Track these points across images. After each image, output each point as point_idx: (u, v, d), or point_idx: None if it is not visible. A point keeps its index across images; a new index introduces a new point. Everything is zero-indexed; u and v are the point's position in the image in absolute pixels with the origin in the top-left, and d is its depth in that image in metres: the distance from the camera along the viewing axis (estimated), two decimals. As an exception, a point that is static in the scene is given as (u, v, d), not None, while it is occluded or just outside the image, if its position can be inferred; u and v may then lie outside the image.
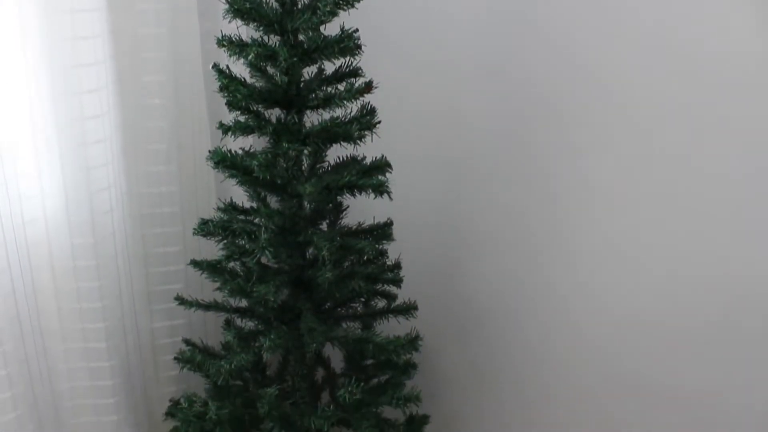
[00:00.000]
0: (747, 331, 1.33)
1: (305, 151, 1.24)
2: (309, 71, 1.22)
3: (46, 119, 1.28)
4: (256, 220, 1.26)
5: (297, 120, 1.20)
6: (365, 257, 1.34)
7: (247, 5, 1.12)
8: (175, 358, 1.39)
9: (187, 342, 1.46)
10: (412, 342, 1.28)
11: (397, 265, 1.34)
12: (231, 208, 1.28)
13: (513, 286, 1.60)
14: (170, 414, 1.42)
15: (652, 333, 1.45)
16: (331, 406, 1.26)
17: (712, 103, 1.20)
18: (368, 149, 1.28)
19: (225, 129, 1.18)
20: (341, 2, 1.12)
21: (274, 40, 1.17)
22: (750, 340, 1.34)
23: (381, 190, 1.18)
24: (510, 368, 1.70)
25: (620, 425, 1.58)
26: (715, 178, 1.24)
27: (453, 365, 1.79)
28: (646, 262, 1.40)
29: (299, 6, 1.15)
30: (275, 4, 1.15)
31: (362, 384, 1.23)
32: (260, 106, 1.20)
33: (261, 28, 1.15)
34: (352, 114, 1.21)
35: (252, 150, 1.23)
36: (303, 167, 1.24)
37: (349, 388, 1.21)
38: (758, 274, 1.27)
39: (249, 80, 1.20)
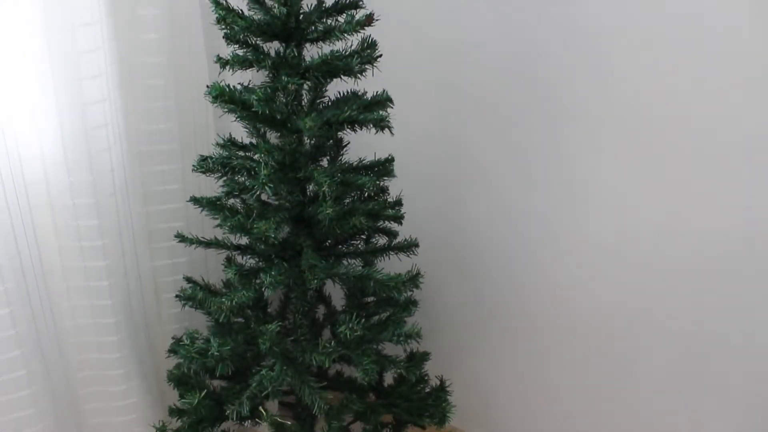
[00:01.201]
0: (742, 268, 1.34)
1: (305, 86, 1.22)
2: (308, 3, 1.19)
3: (39, 54, 1.25)
4: (256, 157, 1.24)
5: (296, 53, 1.17)
6: (366, 194, 1.32)
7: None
8: (177, 296, 1.39)
9: (188, 279, 1.46)
10: (413, 279, 1.27)
11: (398, 202, 1.33)
12: (230, 143, 1.26)
13: (514, 223, 1.59)
14: (173, 351, 1.43)
15: (648, 269, 1.45)
16: (332, 343, 1.26)
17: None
18: (369, 84, 1.25)
19: (223, 63, 1.16)
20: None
21: (271, -31, 1.14)
22: (746, 276, 1.34)
23: (382, 125, 1.17)
24: (510, 305, 1.70)
25: (618, 358, 1.59)
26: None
27: (453, 302, 1.80)
28: (644, 200, 1.39)
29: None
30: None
31: (363, 321, 1.23)
32: (258, 39, 1.17)
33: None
34: (353, 47, 1.18)
35: (251, 85, 1.20)
36: (303, 102, 1.22)
37: (350, 325, 1.21)
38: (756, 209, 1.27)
39: (247, 12, 1.17)
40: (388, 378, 1.56)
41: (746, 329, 1.40)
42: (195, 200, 1.27)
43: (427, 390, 1.55)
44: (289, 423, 1.36)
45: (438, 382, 1.57)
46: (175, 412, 1.39)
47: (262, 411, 1.33)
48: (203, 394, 1.34)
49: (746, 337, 1.40)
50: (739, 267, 1.35)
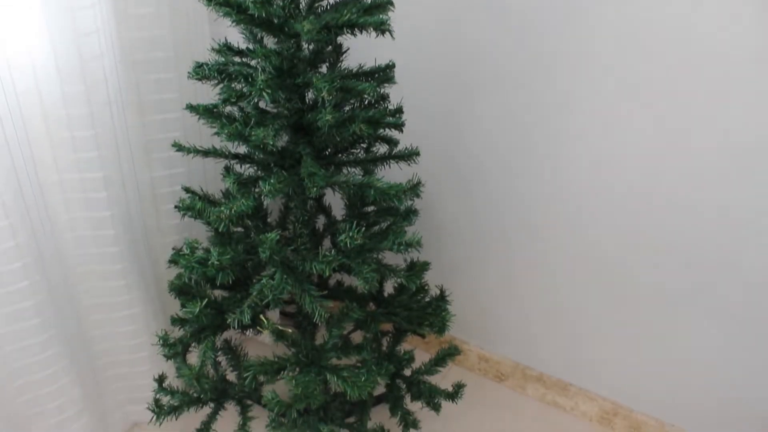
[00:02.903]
0: (744, 182, 1.33)
1: (302, -13, 1.18)
2: None
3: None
4: (253, 62, 1.21)
5: (292, -48, 1.13)
6: (366, 100, 1.30)
7: None
8: (176, 207, 1.38)
9: (186, 190, 1.45)
10: (414, 188, 1.26)
11: (399, 110, 1.31)
12: (226, 49, 1.22)
13: (517, 135, 1.57)
14: (173, 261, 1.43)
15: (652, 181, 1.44)
16: (332, 252, 1.26)
17: None
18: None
19: (216, -37, 1.12)
20: None
21: None
22: (747, 190, 1.33)
23: (382, 28, 1.13)
24: (510, 217, 1.70)
25: (613, 271, 1.60)
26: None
27: (453, 214, 1.79)
28: (648, 109, 1.37)
29: None
30: None
31: (363, 229, 1.22)
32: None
33: None
34: (351, -55, 1.14)
35: (246, -13, 1.16)
36: (300, 5, 1.18)
37: (350, 233, 1.21)
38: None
39: None
40: (389, 287, 1.57)
41: (747, 245, 1.40)
42: (191, 108, 1.24)
43: (427, 299, 1.57)
44: (290, 331, 1.37)
45: (438, 292, 1.58)
46: (177, 321, 1.40)
47: (263, 319, 1.35)
48: (204, 303, 1.35)
49: (747, 253, 1.41)
50: (741, 181, 1.34)
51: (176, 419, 1.64)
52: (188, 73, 1.21)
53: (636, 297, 1.61)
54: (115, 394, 1.73)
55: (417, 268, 1.46)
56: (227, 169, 1.29)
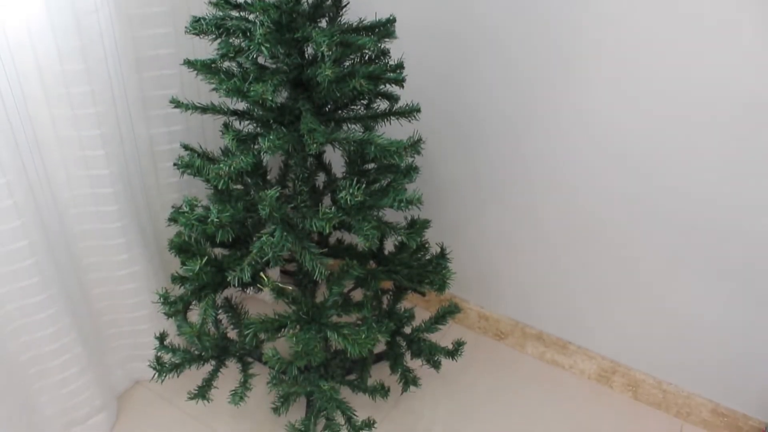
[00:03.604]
0: (742, 143, 1.31)
1: (300, -61, 1.15)
2: None
3: None
4: (251, 17, 1.19)
5: None
6: (367, 56, 1.28)
7: None
8: (175, 164, 1.37)
9: (185, 147, 1.43)
10: (415, 145, 1.25)
11: (400, 65, 1.29)
12: (224, 2, 1.20)
13: (519, 93, 1.56)
14: (173, 219, 1.43)
15: (650, 144, 1.42)
16: (333, 209, 1.25)
17: None
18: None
19: None
20: None
21: None
22: (746, 151, 1.32)
23: (382, -20, 1.11)
24: (510, 177, 1.69)
25: (612, 229, 1.60)
26: None
27: (454, 172, 1.78)
28: (649, 76, 1.35)
29: None
30: None
31: (364, 186, 1.21)
32: None
33: None
34: None
35: (242, -62, 1.14)
36: (298, -43, 1.16)
37: (351, 190, 1.20)
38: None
39: None
40: (389, 245, 1.57)
41: (744, 205, 1.39)
42: (189, 63, 1.22)
43: (428, 257, 1.57)
44: (290, 288, 1.37)
45: (438, 250, 1.58)
46: (177, 279, 1.40)
47: (264, 277, 1.34)
48: (204, 261, 1.35)
49: (744, 213, 1.40)
50: (739, 142, 1.32)
51: (178, 376, 1.65)
52: (185, 27, 1.19)
53: (636, 256, 1.61)
54: (117, 352, 1.73)
55: (417, 226, 1.45)
56: (226, 126, 1.28)
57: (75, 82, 1.31)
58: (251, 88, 1.13)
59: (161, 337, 1.57)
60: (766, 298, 1.49)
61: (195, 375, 1.83)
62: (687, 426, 1.76)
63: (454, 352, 1.69)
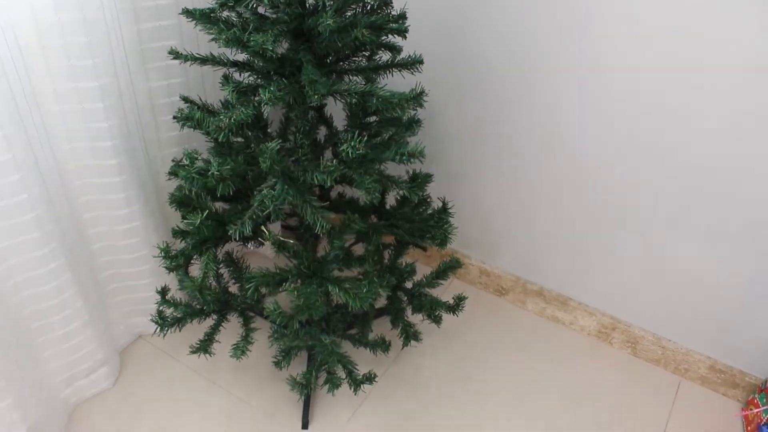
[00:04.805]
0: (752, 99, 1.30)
1: None
2: None
3: None
4: (250, -35, 1.17)
5: None
6: (368, 6, 1.26)
7: None
8: (174, 117, 1.35)
9: (185, 99, 1.42)
10: (417, 97, 1.23)
11: (402, 15, 1.26)
12: (223, -51, 1.18)
13: (524, 45, 1.53)
14: (173, 173, 1.42)
15: (656, 97, 1.41)
16: (334, 162, 1.24)
17: None
18: None
19: None
20: None
21: None
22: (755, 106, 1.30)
23: (385, -73, 1.08)
24: (514, 131, 1.68)
25: (615, 185, 1.59)
26: None
27: (457, 125, 1.77)
28: (652, 29, 1.33)
29: None
30: None
31: (365, 139, 1.20)
32: None
33: None
34: None
35: None
36: None
37: (352, 143, 1.18)
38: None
39: None
40: (391, 200, 1.56)
41: (745, 167, 1.39)
42: (187, 12, 1.20)
43: (429, 212, 1.56)
44: (291, 242, 1.37)
45: (440, 205, 1.57)
46: (178, 233, 1.40)
47: (265, 231, 1.34)
48: (205, 214, 1.34)
49: (746, 174, 1.39)
50: (748, 98, 1.31)
51: (179, 331, 1.66)
52: (184, -25, 1.17)
53: (638, 213, 1.60)
54: (119, 307, 1.74)
55: (419, 180, 1.44)
56: (226, 78, 1.26)
57: (71, 32, 1.29)
58: (251, 38, 1.11)
59: (163, 292, 1.58)
60: (764, 256, 1.48)
61: (196, 329, 1.84)
62: (685, 382, 1.77)
63: (455, 307, 1.69)
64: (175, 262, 1.42)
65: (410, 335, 1.69)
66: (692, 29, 1.30)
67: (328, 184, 1.22)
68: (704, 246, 1.55)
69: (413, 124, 1.34)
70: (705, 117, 1.38)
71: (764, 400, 1.59)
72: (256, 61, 1.26)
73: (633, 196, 1.58)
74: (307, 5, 1.21)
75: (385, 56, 1.34)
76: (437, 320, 1.71)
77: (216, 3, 1.15)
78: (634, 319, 1.80)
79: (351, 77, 1.31)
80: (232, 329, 1.83)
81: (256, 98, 1.21)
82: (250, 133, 1.37)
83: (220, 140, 1.24)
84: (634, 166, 1.54)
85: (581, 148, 1.59)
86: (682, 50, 1.33)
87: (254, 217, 1.27)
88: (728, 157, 1.40)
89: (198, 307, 1.57)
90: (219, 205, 1.46)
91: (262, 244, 1.43)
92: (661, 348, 1.77)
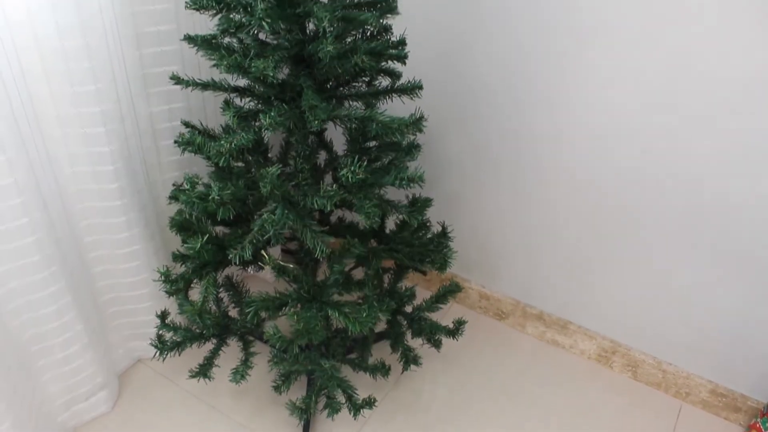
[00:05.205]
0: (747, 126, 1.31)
1: None
2: None
3: None
4: (252, -9, 1.18)
5: None
6: (368, 32, 1.27)
7: None
8: (175, 141, 1.36)
9: (186, 124, 1.43)
10: (417, 122, 1.24)
11: (402, 42, 1.27)
12: (224, -23, 1.19)
13: (521, 70, 1.55)
14: (174, 197, 1.42)
15: (650, 124, 1.42)
16: (334, 186, 1.24)
17: None
18: None
19: None
20: None
21: None
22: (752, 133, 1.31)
23: (385, -46, 1.10)
24: (512, 155, 1.68)
25: (615, 208, 1.59)
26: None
27: (456, 149, 1.78)
28: (649, 56, 1.34)
29: None
30: None
31: (365, 164, 1.21)
32: None
33: None
34: None
35: None
36: (300, -69, 1.14)
37: (352, 168, 1.19)
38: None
39: None
40: (390, 224, 1.57)
41: (746, 189, 1.39)
42: (189, 39, 1.21)
43: (429, 236, 1.56)
44: (291, 267, 1.37)
45: (440, 229, 1.58)
46: (178, 257, 1.40)
47: (265, 255, 1.34)
48: (206, 238, 1.35)
49: (748, 195, 1.40)
50: (743, 125, 1.32)
51: (179, 355, 1.66)
52: (185, 2, 1.18)
53: (637, 236, 1.61)
54: (119, 330, 1.74)
55: (419, 205, 1.45)
56: (227, 103, 1.27)
57: (74, 58, 1.30)
58: (252, 64, 1.12)
59: (162, 316, 1.58)
60: (765, 281, 1.48)
61: (196, 353, 1.84)
62: (686, 406, 1.76)
63: (454, 331, 1.69)
64: (175, 286, 1.42)
65: (410, 359, 1.68)
66: (691, 54, 1.32)
67: (328, 208, 1.22)
68: (705, 269, 1.55)
69: (413, 148, 1.35)
70: (702, 140, 1.39)
71: (766, 425, 1.58)
72: (256, 87, 1.27)
73: (633, 220, 1.59)
74: (308, 31, 1.22)
75: (384, 81, 1.35)
76: (437, 344, 1.71)
77: (218, 29, 1.16)
78: (634, 343, 1.80)
79: (351, 102, 1.32)
80: (231, 353, 1.82)
81: (257, 123, 1.22)
82: (250, 158, 1.38)
83: (220, 165, 1.25)
84: (634, 189, 1.54)
85: (581, 171, 1.60)
86: (682, 73, 1.34)
87: (254, 241, 1.28)
88: (727, 178, 1.41)
89: (198, 331, 1.57)
90: (219, 229, 1.46)
91: (262, 268, 1.44)
92: (662, 372, 1.77)
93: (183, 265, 1.41)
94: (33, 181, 1.32)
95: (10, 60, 1.23)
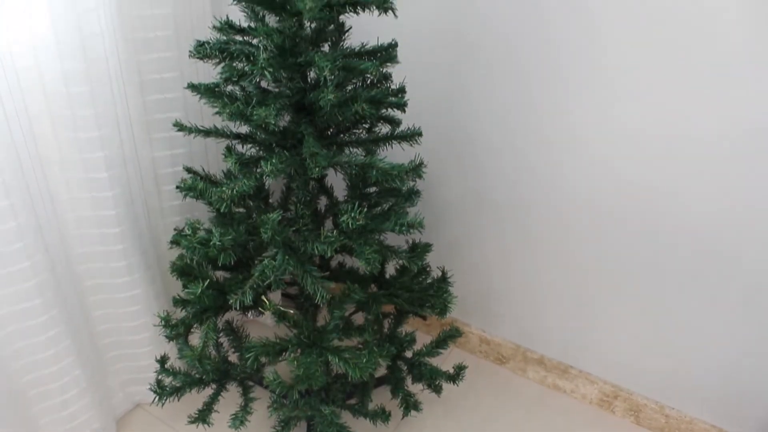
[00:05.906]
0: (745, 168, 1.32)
1: (304, -34, 1.16)
2: None
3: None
4: (255, 41, 1.20)
5: (294, -70, 1.12)
6: (369, 80, 1.29)
7: None
8: (177, 187, 1.37)
9: (188, 170, 1.44)
10: (416, 168, 1.25)
11: (402, 89, 1.30)
12: (228, 26, 1.21)
13: (519, 117, 1.56)
14: (175, 242, 1.43)
15: (653, 164, 1.43)
16: (334, 232, 1.25)
17: None
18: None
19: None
20: None
21: None
22: (749, 176, 1.32)
23: (385, 6, 1.12)
24: (512, 201, 1.69)
25: (616, 253, 1.59)
26: None
27: (456, 195, 1.79)
28: (653, 94, 1.36)
29: None
30: None
31: (365, 210, 1.22)
32: None
33: None
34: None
35: (247, -36, 1.15)
36: (302, -17, 1.17)
37: (352, 214, 1.20)
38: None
39: None
40: (390, 269, 1.57)
41: (748, 236, 1.40)
42: (192, 87, 1.23)
43: (429, 281, 1.56)
44: (291, 312, 1.37)
45: (440, 273, 1.58)
46: (179, 302, 1.40)
47: (265, 300, 1.34)
48: (206, 284, 1.35)
49: (748, 241, 1.40)
50: (742, 167, 1.33)
51: (178, 400, 1.64)
52: (189, 51, 1.20)
53: (637, 280, 1.61)
54: (118, 375, 1.73)
55: (419, 250, 1.45)
56: (229, 149, 1.29)
57: (79, 103, 1.32)
58: (254, 112, 1.13)
59: (162, 360, 1.57)
60: (766, 324, 1.48)
61: (195, 398, 1.82)
62: (690, 452, 1.75)
63: (455, 376, 1.68)
64: (176, 330, 1.42)
65: (410, 405, 1.67)
66: (689, 101, 1.33)
67: (329, 254, 1.23)
68: (707, 313, 1.55)
69: (412, 194, 1.36)
70: (702, 186, 1.40)
71: (770, 473, 1.57)
72: (258, 134, 1.29)
73: (634, 265, 1.59)
74: (309, 80, 1.24)
75: (384, 128, 1.37)
76: (437, 390, 1.70)
77: (220, 77, 1.18)
78: (636, 387, 1.78)
79: (351, 149, 1.33)
80: (231, 399, 1.81)
81: (258, 170, 1.23)
82: (251, 204, 1.39)
83: (222, 210, 1.26)
84: (635, 235, 1.55)
85: (581, 216, 1.60)
86: (682, 118, 1.36)
87: (255, 286, 1.28)
88: (729, 227, 1.41)
89: (197, 376, 1.57)
90: (220, 274, 1.47)
91: (263, 313, 1.44)
92: (665, 416, 1.75)
93: (183, 310, 1.41)
94: (35, 225, 1.33)
95: (16, 105, 1.25)
